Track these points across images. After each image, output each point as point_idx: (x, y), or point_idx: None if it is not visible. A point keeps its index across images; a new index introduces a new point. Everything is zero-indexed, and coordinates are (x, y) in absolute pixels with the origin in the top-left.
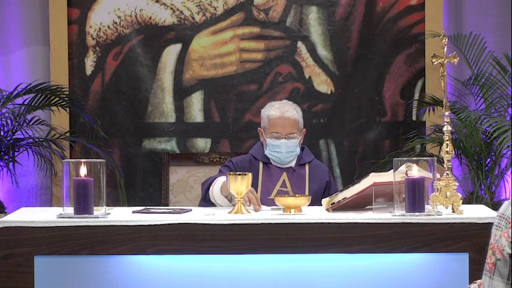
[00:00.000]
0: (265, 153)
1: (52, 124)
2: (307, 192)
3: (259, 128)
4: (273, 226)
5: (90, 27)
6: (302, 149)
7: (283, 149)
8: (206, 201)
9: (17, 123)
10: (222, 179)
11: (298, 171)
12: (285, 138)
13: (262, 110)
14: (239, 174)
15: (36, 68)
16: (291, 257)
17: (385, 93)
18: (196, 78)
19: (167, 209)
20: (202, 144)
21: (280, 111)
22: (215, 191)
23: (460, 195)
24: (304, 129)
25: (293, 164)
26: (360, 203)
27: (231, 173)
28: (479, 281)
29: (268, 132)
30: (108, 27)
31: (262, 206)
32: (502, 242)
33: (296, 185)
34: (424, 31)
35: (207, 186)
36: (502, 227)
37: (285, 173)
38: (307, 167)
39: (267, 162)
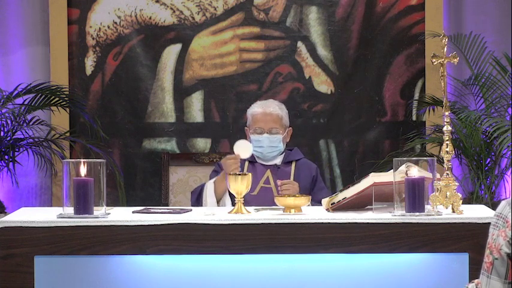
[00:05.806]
0: None
1: (52, 124)
2: None
3: (245, 128)
4: (273, 226)
5: (90, 27)
6: (291, 149)
7: (265, 143)
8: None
9: (17, 123)
10: (210, 184)
11: (283, 168)
12: (267, 133)
13: (247, 110)
14: (239, 174)
15: (36, 68)
16: (291, 257)
17: (385, 93)
18: (196, 78)
19: (167, 209)
20: (202, 144)
21: (263, 107)
22: (208, 197)
23: (460, 195)
24: (290, 128)
25: (278, 161)
26: (360, 203)
27: (231, 173)
28: (476, 280)
29: (251, 128)
30: (108, 27)
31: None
32: (500, 241)
33: None
34: (424, 31)
35: (197, 193)
36: (499, 227)
37: (268, 170)
38: (293, 164)
39: (252, 161)
